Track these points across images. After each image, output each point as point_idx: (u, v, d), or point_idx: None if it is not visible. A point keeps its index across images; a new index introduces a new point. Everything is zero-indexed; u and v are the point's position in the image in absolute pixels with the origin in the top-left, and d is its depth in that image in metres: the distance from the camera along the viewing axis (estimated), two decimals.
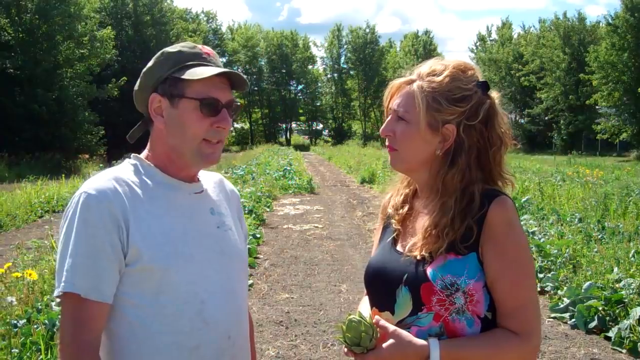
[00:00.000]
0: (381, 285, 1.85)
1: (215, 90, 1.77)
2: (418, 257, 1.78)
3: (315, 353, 5.57)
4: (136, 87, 1.84)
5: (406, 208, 1.96)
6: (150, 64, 1.82)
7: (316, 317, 6.58)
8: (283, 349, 5.67)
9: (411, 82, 1.86)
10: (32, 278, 5.33)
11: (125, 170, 1.81)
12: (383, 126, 1.90)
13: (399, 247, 1.89)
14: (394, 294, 1.79)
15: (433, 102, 1.79)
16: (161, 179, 1.82)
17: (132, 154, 1.88)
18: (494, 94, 1.86)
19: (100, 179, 1.74)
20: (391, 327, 1.72)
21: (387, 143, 1.90)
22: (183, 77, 1.74)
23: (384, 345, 1.70)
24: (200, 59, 1.79)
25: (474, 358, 1.71)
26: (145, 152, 1.88)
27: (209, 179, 2.00)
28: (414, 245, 1.82)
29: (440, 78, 1.81)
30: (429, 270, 1.74)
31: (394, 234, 1.94)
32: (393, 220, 1.97)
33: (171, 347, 1.73)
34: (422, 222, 1.86)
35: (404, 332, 1.71)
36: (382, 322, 1.74)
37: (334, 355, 5.50)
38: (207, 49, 1.83)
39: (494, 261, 1.72)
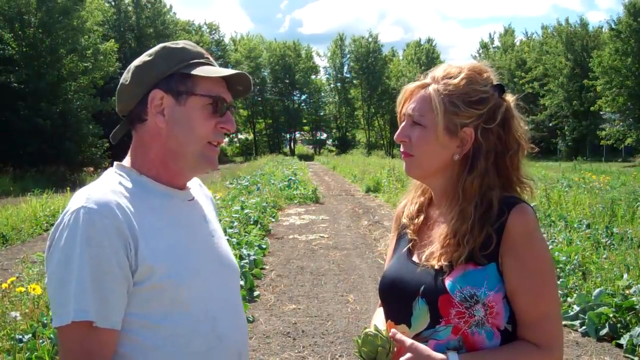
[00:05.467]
0: (397, 297, 1.79)
1: (223, 90, 1.70)
2: (436, 267, 1.71)
3: None
4: (126, 81, 1.70)
5: (422, 217, 1.90)
6: (147, 58, 1.69)
7: (324, 328, 6.50)
8: None
9: (426, 85, 1.80)
10: (35, 293, 5.28)
11: (115, 181, 1.67)
12: (398, 132, 1.84)
13: (414, 258, 1.83)
14: (410, 307, 1.73)
15: (450, 105, 1.74)
16: (153, 187, 1.69)
17: (115, 162, 1.77)
18: (509, 97, 1.81)
19: (98, 192, 1.58)
20: (408, 341, 1.66)
21: (401, 149, 1.84)
22: (194, 73, 1.65)
23: (402, 359, 1.64)
24: (204, 58, 1.72)
25: None
26: (128, 160, 1.75)
27: (191, 184, 1.87)
28: (432, 254, 1.76)
29: (456, 80, 1.76)
30: (448, 282, 1.67)
31: (409, 244, 1.88)
32: (408, 230, 1.91)
33: None
34: (440, 230, 1.80)
35: (421, 346, 1.65)
36: (399, 335, 1.68)
37: None
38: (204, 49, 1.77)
39: (514, 272, 1.66)
